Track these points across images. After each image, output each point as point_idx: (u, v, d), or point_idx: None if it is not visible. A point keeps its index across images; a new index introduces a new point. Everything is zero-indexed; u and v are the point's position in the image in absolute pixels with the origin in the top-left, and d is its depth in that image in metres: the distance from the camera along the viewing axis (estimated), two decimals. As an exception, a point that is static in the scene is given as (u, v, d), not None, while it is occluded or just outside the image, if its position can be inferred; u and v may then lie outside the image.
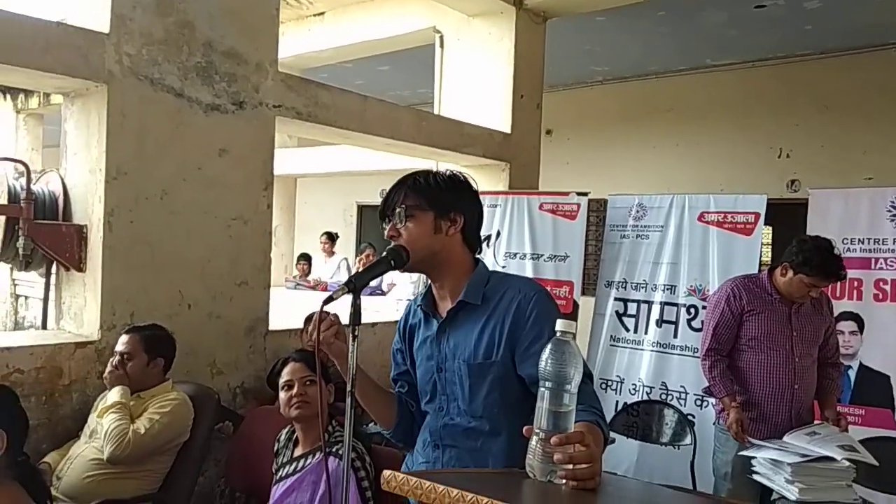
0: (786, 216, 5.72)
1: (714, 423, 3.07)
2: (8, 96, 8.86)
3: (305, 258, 7.65)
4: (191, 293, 3.26)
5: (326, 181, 10.07)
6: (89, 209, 3.05)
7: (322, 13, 6.48)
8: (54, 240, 3.04)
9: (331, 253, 7.74)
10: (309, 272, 7.53)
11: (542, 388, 1.19)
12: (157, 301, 3.12)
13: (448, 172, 1.66)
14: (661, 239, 4.00)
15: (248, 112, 3.48)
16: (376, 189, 10.37)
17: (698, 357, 3.07)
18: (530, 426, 1.21)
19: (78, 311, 3.09)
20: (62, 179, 3.18)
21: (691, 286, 3.87)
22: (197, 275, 3.28)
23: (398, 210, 1.55)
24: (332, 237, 7.84)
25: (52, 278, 3.27)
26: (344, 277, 7.21)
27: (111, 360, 2.68)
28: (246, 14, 3.44)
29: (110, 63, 2.95)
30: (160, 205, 3.15)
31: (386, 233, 1.58)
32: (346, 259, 7.78)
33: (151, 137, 3.11)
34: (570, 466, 1.14)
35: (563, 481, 1.14)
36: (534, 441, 1.19)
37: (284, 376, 2.31)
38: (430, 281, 1.67)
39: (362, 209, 11.10)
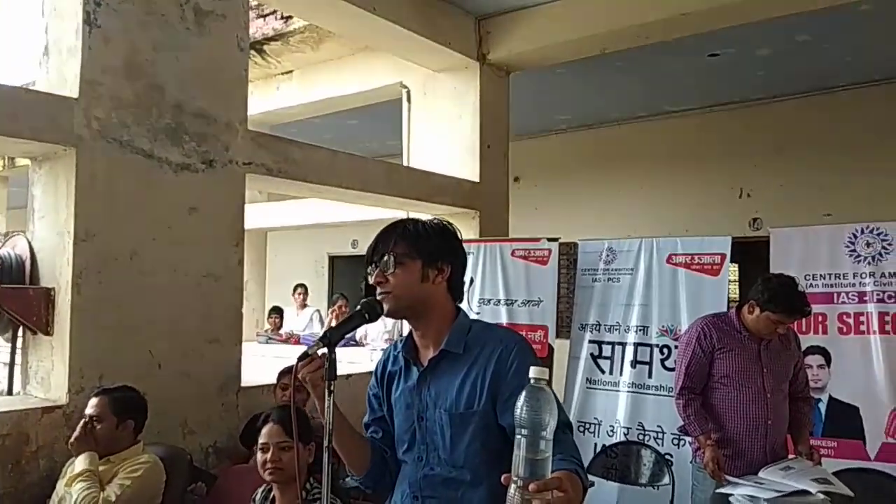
0: (751, 253, 5.85)
1: (691, 462, 3.09)
2: (-28, 159, 8.79)
3: (277, 311, 7.59)
4: (161, 353, 3.22)
5: (297, 234, 10.07)
6: (57, 272, 3.02)
7: (290, 71, 6.59)
8: (21, 304, 3.00)
9: (304, 305, 7.70)
10: (281, 325, 7.46)
11: (519, 436, 1.20)
12: (126, 362, 3.08)
13: (436, 221, 1.67)
14: (632, 281, 4.07)
15: (218, 170, 3.51)
16: (347, 240, 10.41)
17: (673, 396, 3.10)
18: (507, 474, 1.22)
19: (45, 375, 3.04)
20: (29, 242, 3.16)
21: (663, 326, 3.93)
22: (167, 334, 3.25)
23: (386, 257, 1.57)
24: (306, 289, 7.81)
25: (19, 342, 3.21)
26: (317, 329, 7.16)
27: (79, 425, 2.63)
28: (215, 76, 3.49)
29: (79, 127, 2.97)
30: (129, 265, 3.14)
31: (373, 279, 1.58)
32: (318, 311, 7.74)
33: (121, 198, 3.12)
34: (549, 513, 1.15)
35: (542, 528, 1.15)
36: (512, 489, 1.20)
37: (262, 437, 2.27)
38: (410, 328, 1.68)
39: (334, 260, 11.09)
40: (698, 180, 7.43)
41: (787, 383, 2.94)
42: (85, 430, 2.59)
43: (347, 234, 10.15)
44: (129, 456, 2.61)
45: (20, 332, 3.19)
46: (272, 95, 6.73)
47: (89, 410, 2.65)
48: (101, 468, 2.57)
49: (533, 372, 1.24)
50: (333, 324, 6.76)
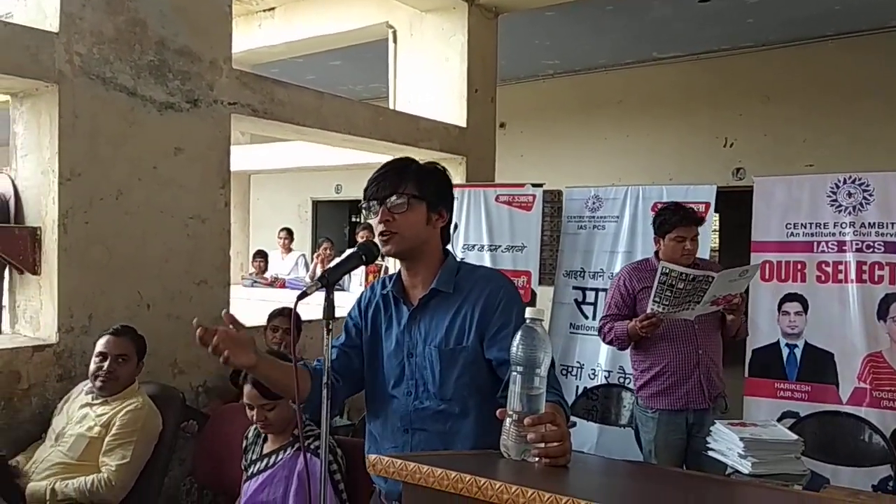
0: (732, 203, 5.92)
1: (636, 404, 3.20)
2: (-58, 96, 8.53)
3: (261, 255, 7.58)
4: (149, 293, 3.22)
5: (280, 178, 9.98)
6: (42, 211, 2.99)
7: (272, 8, 6.41)
8: (7, 243, 2.97)
9: (288, 249, 7.69)
10: (265, 269, 7.46)
11: (514, 373, 1.25)
12: (115, 302, 3.08)
13: (437, 166, 1.71)
14: (617, 229, 4.13)
15: (203, 110, 3.45)
16: (331, 184, 10.34)
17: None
18: (503, 409, 1.27)
19: (34, 314, 3.03)
20: (12, 181, 3.11)
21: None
22: (155, 275, 3.25)
23: (397, 197, 1.58)
24: (290, 233, 7.80)
25: (6, 282, 3.19)
26: (301, 273, 7.17)
27: (96, 362, 2.64)
28: (198, 12, 3.40)
29: (60, 63, 2.90)
30: (115, 205, 3.11)
31: (379, 216, 1.59)
32: (303, 255, 7.74)
33: (104, 137, 3.06)
34: (543, 445, 1.20)
35: (537, 459, 1.20)
36: (507, 422, 1.25)
37: (245, 397, 2.27)
38: (400, 268, 1.71)
39: (317, 205, 11.04)
40: (684, 128, 7.44)
41: (718, 315, 3.04)
42: (110, 370, 2.60)
43: (331, 178, 10.08)
44: (127, 396, 2.64)
45: (6, 272, 3.17)
46: (253, 34, 6.56)
47: (112, 350, 2.64)
48: (99, 410, 2.60)
49: (529, 312, 1.28)
50: (319, 269, 6.77)
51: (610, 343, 3.20)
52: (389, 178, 1.61)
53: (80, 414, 2.63)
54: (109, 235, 3.08)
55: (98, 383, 2.62)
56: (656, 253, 3.13)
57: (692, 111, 7.41)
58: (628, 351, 3.95)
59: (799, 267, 3.57)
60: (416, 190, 1.60)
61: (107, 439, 2.52)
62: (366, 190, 1.64)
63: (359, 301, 1.79)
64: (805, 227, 3.60)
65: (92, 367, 2.66)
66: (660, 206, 3.17)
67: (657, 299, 2.85)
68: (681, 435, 2.99)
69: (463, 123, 5.26)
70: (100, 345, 2.68)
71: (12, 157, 3.13)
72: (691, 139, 7.38)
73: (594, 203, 4.22)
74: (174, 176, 3.32)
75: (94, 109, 3.02)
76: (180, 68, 3.33)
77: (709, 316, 3.00)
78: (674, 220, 2.98)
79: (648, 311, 2.89)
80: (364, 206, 1.64)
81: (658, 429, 3.01)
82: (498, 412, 1.28)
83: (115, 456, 2.50)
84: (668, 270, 2.81)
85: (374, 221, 1.63)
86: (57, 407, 2.75)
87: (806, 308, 3.54)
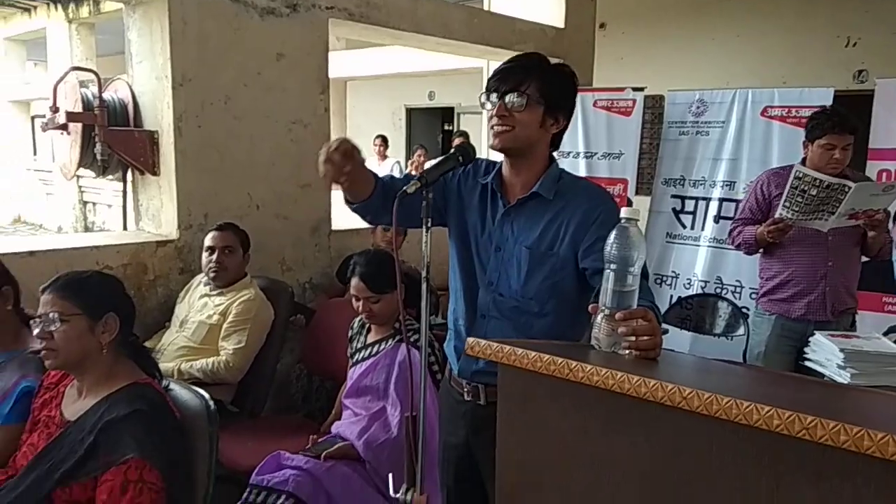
0: (852, 108, 5.49)
1: (755, 310, 3.15)
2: (59, 6, 8.95)
3: (358, 162, 7.76)
4: (258, 195, 3.40)
5: (375, 85, 10.03)
6: (158, 115, 3.17)
7: None
8: (128, 145, 3.19)
9: (384, 156, 7.82)
10: (362, 176, 7.64)
11: (608, 271, 1.27)
12: (228, 202, 3.28)
13: (566, 69, 1.68)
14: (722, 135, 3.95)
15: (302, 14, 3.50)
16: (424, 91, 10.32)
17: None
18: (595, 304, 1.31)
19: (155, 212, 3.28)
20: (130, 87, 3.30)
21: (751, 182, 3.84)
22: (263, 177, 3.42)
23: (517, 96, 1.57)
24: (385, 140, 7.90)
25: (129, 183, 3.45)
26: (397, 180, 7.31)
27: (206, 256, 2.87)
28: (295, -87, 3.40)
29: (167, -31, 3.00)
30: (224, 110, 3.25)
31: (495, 110, 1.59)
32: (398, 162, 7.86)
33: (212, 43, 3.18)
34: (634, 338, 1.23)
35: (627, 352, 1.24)
36: (599, 317, 1.29)
37: (351, 289, 2.43)
38: (503, 162, 1.71)
39: (411, 112, 11.07)
40: (800, 27, 6.87)
41: (858, 231, 2.87)
42: (219, 262, 2.83)
43: (425, 85, 10.05)
44: (239, 288, 2.86)
45: (129, 173, 3.42)
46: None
47: (218, 243, 2.87)
48: (216, 300, 2.84)
49: (624, 212, 1.29)
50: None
51: (738, 247, 3.11)
52: (514, 74, 1.59)
53: (200, 304, 2.88)
54: (220, 139, 3.24)
55: (211, 274, 2.86)
56: (804, 160, 2.94)
57: (810, 8, 6.82)
58: (728, 261, 3.92)
59: (918, 175, 3.35)
60: (537, 91, 1.58)
61: (224, 326, 2.77)
62: (489, 80, 1.63)
63: (457, 169, 1.70)
64: (930, 133, 3.35)
65: (203, 260, 2.90)
66: (818, 110, 2.92)
67: (787, 204, 2.75)
68: (794, 343, 2.92)
69: (561, 24, 5.08)
70: (207, 240, 2.92)
71: (128, 64, 3.31)
72: (808, 39, 6.82)
73: (698, 107, 4.04)
74: (277, 81, 3.42)
75: (200, 16, 3.12)
76: (279, -28, 3.37)
77: (847, 229, 2.84)
78: (826, 125, 2.77)
79: (777, 215, 2.80)
80: (482, 95, 1.63)
81: (772, 331, 2.95)
82: (590, 307, 1.31)
83: (231, 340, 2.75)
84: (801, 174, 2.68)
85: (487, 112, 1.63)
86: (178, 296, 3.01)
87: (920, 219, 3.33)
